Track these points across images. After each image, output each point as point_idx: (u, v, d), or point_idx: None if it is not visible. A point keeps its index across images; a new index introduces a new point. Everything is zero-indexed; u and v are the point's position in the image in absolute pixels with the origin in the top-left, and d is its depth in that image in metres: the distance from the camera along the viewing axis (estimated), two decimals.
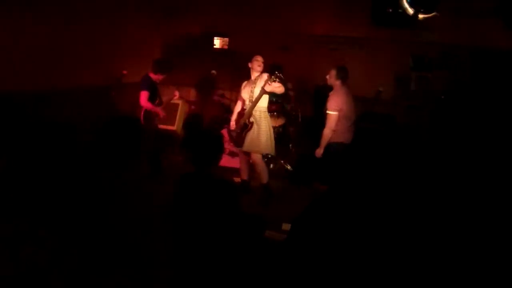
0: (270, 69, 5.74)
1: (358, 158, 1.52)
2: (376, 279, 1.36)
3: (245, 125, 4.55)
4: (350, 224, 1.42)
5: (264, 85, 4.31)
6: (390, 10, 4.60)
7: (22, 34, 4.17)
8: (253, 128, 4.52)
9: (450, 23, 5.26)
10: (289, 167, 5.84)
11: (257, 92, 4.43)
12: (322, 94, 6.31)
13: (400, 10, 4.49)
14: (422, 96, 5.91)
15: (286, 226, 3.70)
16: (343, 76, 4.54)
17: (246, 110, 4.53)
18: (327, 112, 4.51)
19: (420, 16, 4.49)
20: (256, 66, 4.54)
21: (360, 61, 6.10)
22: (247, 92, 4.61)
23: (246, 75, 6.50)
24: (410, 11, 4.45)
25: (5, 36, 3.98)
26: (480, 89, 5.47)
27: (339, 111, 4.42)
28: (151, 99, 4.81)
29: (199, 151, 2.48)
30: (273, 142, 4.68)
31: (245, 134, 4.55)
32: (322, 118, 4.71)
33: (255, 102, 4.44)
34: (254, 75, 4.60)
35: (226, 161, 5.56)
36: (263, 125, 4.53)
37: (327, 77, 4.63)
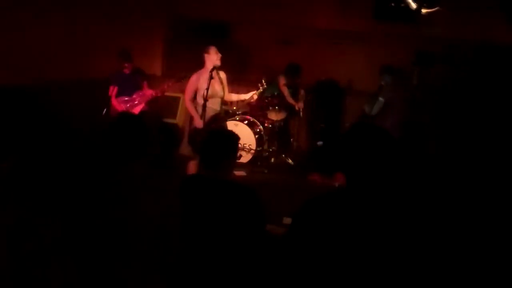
0: (287, 69, 5.71)
1: (361, 153, 1.51)
2: (378, 277, 1.36)
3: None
4: (354, 219, 1.42)
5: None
6: (393, 4, 4.57)
7: (21, 29, 4.16)
8: None
9: (454, 17, 5.22)
10: (290, 161, 5.84)
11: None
12: (323, 89, 6.29)
13: (402, 5, 4.46)
14: (424, 91, 5.89)
15: (287, 220, 3.70)
16: None
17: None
18: None
19: (423, 10, 4.46)
20: (216, 59, 4.18)
21: (362, 55, 6.07)
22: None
23: (246, 69, 6.49)
24: (413, 5, 4.43)
25: (6, 31, 3.98)
26: (483, 84, 5.45)
27: None
28: (120, 93, 4.94)
29: (216, 151, 2.17)
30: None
31: None
32: (324, 112, 4.69)
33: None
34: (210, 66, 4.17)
35: None
36: None
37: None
